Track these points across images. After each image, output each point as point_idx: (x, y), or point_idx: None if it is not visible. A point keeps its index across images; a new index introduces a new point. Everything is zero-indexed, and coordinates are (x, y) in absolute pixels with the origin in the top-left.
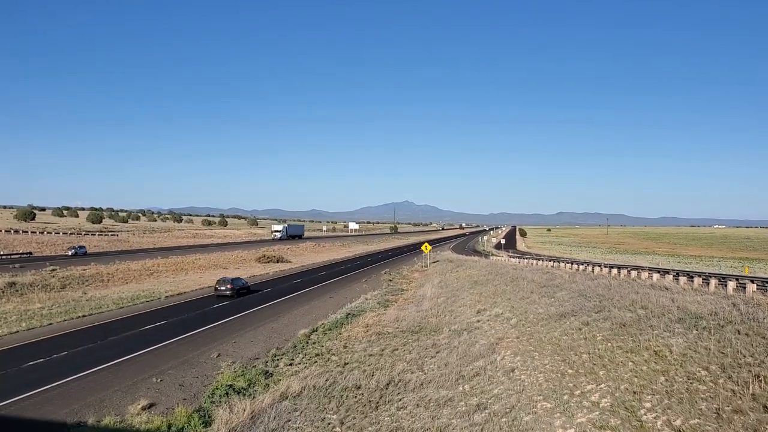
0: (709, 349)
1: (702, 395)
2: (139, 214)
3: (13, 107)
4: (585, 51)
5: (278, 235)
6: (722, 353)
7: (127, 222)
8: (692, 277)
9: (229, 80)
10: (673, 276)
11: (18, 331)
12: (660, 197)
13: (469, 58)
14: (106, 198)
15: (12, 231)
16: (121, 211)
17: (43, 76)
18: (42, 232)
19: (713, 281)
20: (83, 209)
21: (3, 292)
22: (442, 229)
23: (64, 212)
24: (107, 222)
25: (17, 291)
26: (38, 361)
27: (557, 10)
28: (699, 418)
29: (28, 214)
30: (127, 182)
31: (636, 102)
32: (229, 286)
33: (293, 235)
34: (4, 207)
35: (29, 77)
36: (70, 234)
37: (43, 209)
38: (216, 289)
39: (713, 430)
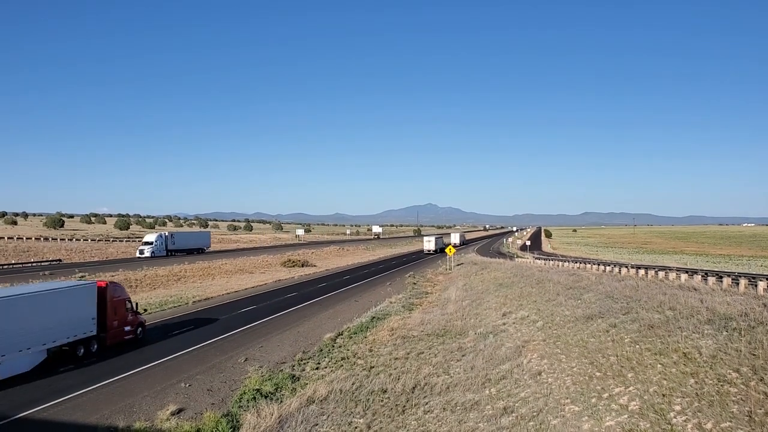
0: (740, 350)
1: (733, 398)
2: (166, 220)
3: (43, 118)
4: (612, 52)
5: (147, 250)
6: (753, 355)
7: (153, 228)
8: (721, 277)
9: (256, 86)
10: (702, 276)
11: None
12: (687, 196)
13: (493, 62)
14: (133, 204)
15: (42, 238)
16: (148, 217)
17: (71, 85)
18: (71, 239)
19: (743, 281)
20: (110, 216)
21: None
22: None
23: (92, 219)
24: (134, 228)
25: None
26: (68, 367)
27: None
28: (730, 421)
29: (57, 221)
30: (153, 189)
31: (663, 102)
32: None
33: (179, 250)
34: (34, 214)
35: (58, 88)
36: (98, 240)
37: (72, 216)
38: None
39: None
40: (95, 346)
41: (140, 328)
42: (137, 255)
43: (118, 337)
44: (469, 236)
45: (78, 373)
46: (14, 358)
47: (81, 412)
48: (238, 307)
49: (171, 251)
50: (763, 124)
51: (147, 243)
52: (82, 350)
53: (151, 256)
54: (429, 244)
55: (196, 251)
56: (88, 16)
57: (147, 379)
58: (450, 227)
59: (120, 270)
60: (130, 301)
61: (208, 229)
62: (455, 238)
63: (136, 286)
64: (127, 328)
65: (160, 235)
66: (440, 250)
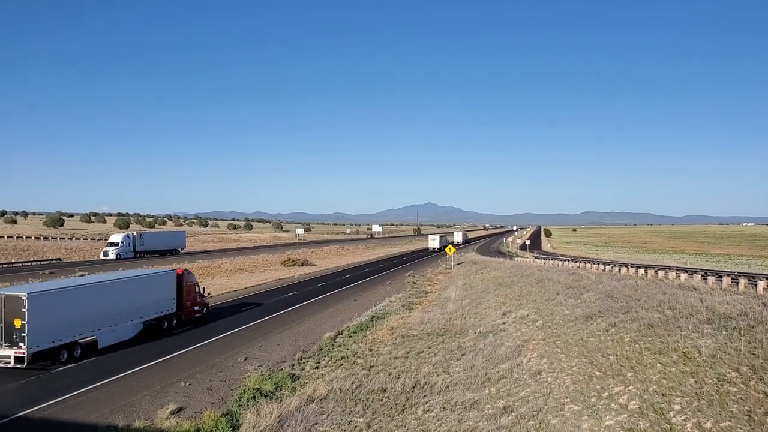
0: (740, 350)
1: (733, 397)
2: (166, 219)
3: (43, 117)
4: (611, 52)
5: (111, 252)
6: (753, 354)
7: (153, 227)
8: (721, 276)
9: (256, 85)
10: (701, 276)
11: None
12: (687, 195)
13: (493, 62)
14: (132, 203)
15: (42, 237)
16: (148, 216)
17: (71, 84)
18: (71, 238)
19: (742, 281)
20: (110, 215)
21: None
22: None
23: (92, 218)
24: (134, 227)
25: None
26: (68, 366)
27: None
28: (730, 421)
29: (57, 220)
30: (153, 188)
31: (663, 102)
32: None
33: (149, 251)
34: (34, 214)
35: (58, 87)
36: (98, 240)
37: (72, 215)
38: None
39: None
40: (174, 322)
41: (205, 309)
42: (101, 257)
43: (189, 315)
44: (470, 235)
45: (75, 371)
46: (123, 328)
47: (80, 411)
48: (237, 307)
49: (140, 253)
50: (763, 123)
51: (112, 244)
52: (165, 324)
53: (117, 259)
54: (434, 242)
55: (169, 252)
56: (87, 15)
57: (146, 378)
58: (450, 226)
59: (120, 268)
60: (198, 286)
61: (182, 229)
62: (458, 237)
63: None
64: (196, 308)
65: (127, 236)
66: (444, 248)
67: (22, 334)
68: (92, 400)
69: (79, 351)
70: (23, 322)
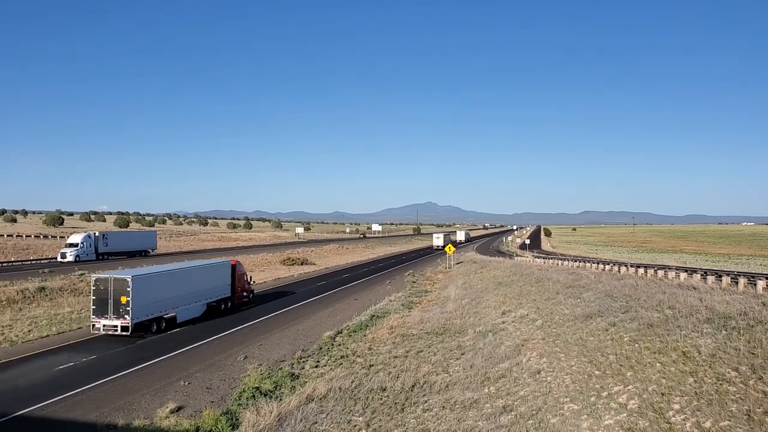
0: (739, 349)
1: (732, 397)
2: (165, 218)
3: (43, 115)
4: (611, 51)
5: (70, 254)
6: (752, 354)
7: (153, 226)
8: (720, 276)
9: (256, 84)
10: (701, 275)
11: (48, 336)
12: (687, 195)
13: (493, 61)
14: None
15: (41, 236)
16: (148, 215)
17: (71, 82)
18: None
19: (742, 280)
20: (110, 214)
21: (33, 296)
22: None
23: (92, 217)
24: (134, 226)
25: (47, 295)
26: (69, 365)
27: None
28: (729, 420)
29: (57, 219)
30: (153, 187)
31: (663, 101)
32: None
33: (114, 253)
34: (34, 212)
35: (58, 85)
36: None
37: (71, 214)
38: None
39: None
40: (229, 304)
41: (251, 295)
42: (58, 259)
43: (240, 299)
44: (472, 234)
45: (74, 370)
46: (194, 307)
47: (80, 409)
48: (239, 305)
49: (103, 254)
50: (763, 123)
51: (70, 245)
52: (222, 306)
53: (75, 261)
54: (438, 240)
55: (139, 254)
56: (86, 13)
57: (146, 377)
58: (450, 226)
59: (119, 267)
60: (246, 275)
61: (154, 229)
62: (461, 236)
63: None
64: (245, 294)
65: (88, 236)
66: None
67: (127, 308)
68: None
69: (164, 324)
70: (128, 299)
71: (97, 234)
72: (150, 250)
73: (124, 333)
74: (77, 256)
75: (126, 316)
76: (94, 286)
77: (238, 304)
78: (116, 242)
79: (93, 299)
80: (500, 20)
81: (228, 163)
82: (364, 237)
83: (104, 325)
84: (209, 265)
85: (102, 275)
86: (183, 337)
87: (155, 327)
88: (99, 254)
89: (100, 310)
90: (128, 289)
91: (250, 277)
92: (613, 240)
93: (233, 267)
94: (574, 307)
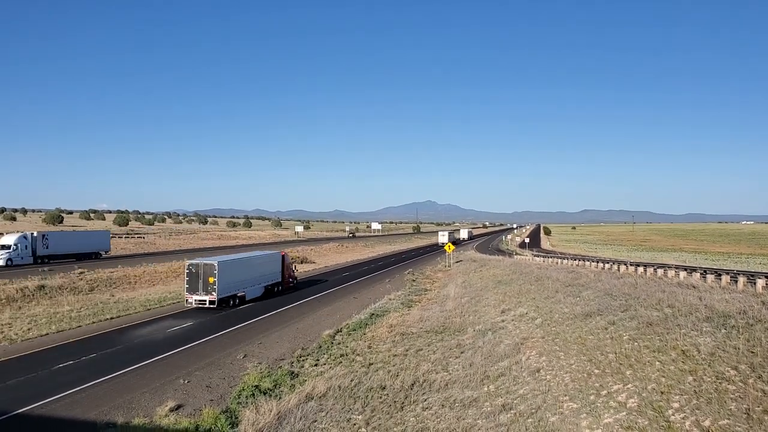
0: (738, 348)
1: (731, 395)
2: (165, 216)
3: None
4: (612, 50)
5: (1, 257)
6: (752, 352)
7: (153, 224)
8: (720, 274)
9: (256, 83)
10: (701, 274)
11: (48, 334)
12: (686, 193)
13: (493, 60)
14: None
15: None
16: (147, 213)
17: (71, 81)
18: None
19: (741, 279)
20: (110, 212)
21: (33, 294)
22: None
23: (91, 215)
24: (133, 224)
25: (46, 294)
26: (68, 363)
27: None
28: (728, 419)
29: (57, 217)
30: (153, 185)
31: (663, 100)
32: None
33: (56, 255)
34: (33, 210)
35: (58, 84)
36: None
37: (71, 212)
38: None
39: (743, 431)
40: (280, 288)
41: (295, 281)
42: None
43: (287, 284)
44: (474, 233)
45: (73, 368)
46: (256, 288)
47: (80, 407)
48: (237, 304)
49: (42, 258)
50: (763, 122)
51: (2, 247)
52: (275, 289)
53: (7, 265)
54: (443, 237)
55: (88, 257)
56: (86, 11)
57: (145, 376)
58: (449, 224)
59: (119, 266)
60: (291, 264)
61: (106, 229)
62: (464, 234)
63: (135, 282)
64: (291, 280)
65: (24, 236)
66: (453, 243)
67: (214, 287)
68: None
69: (237, 301)
70: (215, 279)
71: (35, 234)
72: (102, 252)
73: (211, 306)
74: (9, 260)
75: (213, 293)
76: (187, 269)
77: (285, 289)
78: (59, 244)
79: (186, 280)
80: (500, 18)
81: (228, 161)
82: (353, 236)
83: (196, 300)
84: (267, 255)
85: (194, 261)
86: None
87: (232, 302)
88: (37, 257)
89: (192, 288)
90: (215, 272)
91: (295, 266)
92: (612, 239)
93: (282, 257)
94: (573, 305)
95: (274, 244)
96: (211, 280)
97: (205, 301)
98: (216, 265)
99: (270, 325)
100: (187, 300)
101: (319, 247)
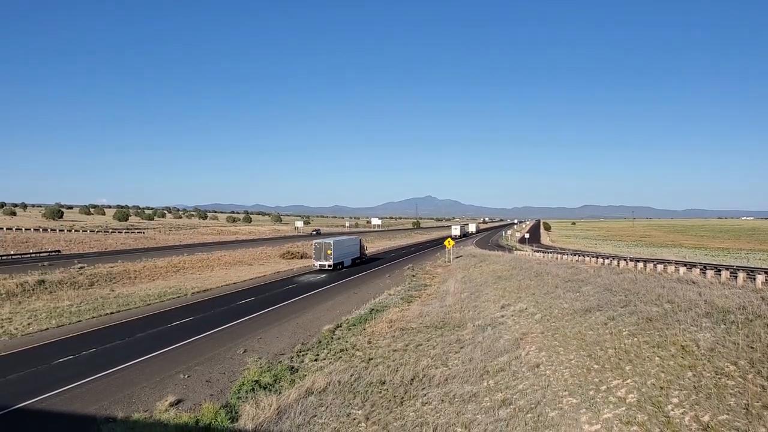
0: (738, 343)
1: (730, 390)
2: (165, 212)
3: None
4: (612, 47)
5: None
6: (751, 348)
7: (152, 219)
8: (719, 270)
9: (256, 79)
10: (700, 269)
11: (48, 329)
12: (686, 189)
13: (494, 56)
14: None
15: (41, 229)
16: (147, 208)
17: (71, 77)
18: (70, 230)
19: (741, 274)
20: (109, 207)
21: (33, 289)
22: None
23: (91, 210)
24: (133, 219)
25: (46, 288)
26: (68, 358)
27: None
28: (727, 414)
29: (56, 212)
30: (152, 180)
31: (663, 96)
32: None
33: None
34: (33, 206)
35: (58, 80)
36: (97, 232)
37: (71, 207)
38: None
39: (742, 426)
40: (359, 261)
41: (366, 257)
42: None
43: (362, 259)
44: (481, 227)
45: (72, 363)
46: (349, 260)
47: (80, 402)
48: (236, 299)
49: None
50: (763, 118)
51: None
52: (357, 261)
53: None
54: (455, 230)
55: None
56: (86, 8)
57: (145, 371)
58: (449, 220)
59: (119, 261)
60: (365, 246)
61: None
62: (473, 227)
63: (135, 277)
64: (364, 256)
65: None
66: (464, 235)
67: (330, 256)
68: (355, 280)
69: (342, 266)
70: (331, 251)
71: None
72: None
73: (329, 268)
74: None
75: (330, 260)
76: (314, 245)
77: (362, 263)
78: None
79: (314, 252)
80: (500, 16)
81: (228, 157)
82: (319, 233)
83: (319, 264)
84: (353, 239)
85: (318, 240)
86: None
87: (339, 267)
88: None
89: (317, 257)
90: (331, 246)
91: (366, 246)
92: (612, 234)
93: (360, 241)
94: (573, 301)
95: (274, 239)
96: (329, 252)
97: (326, 264)
98: (332, 243)
99: (269, 321)
100: (314, 264)
101: None
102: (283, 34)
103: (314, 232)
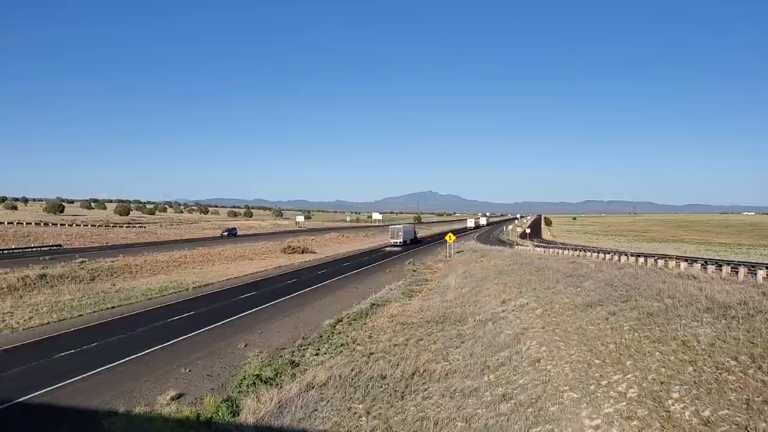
0: (738, 339)
1: (731, 385)
2: (166, 206)
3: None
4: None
5: None
6: (752, 343)
7: (154, 214)
8: (720, 265)
9: (256, 74)
10: (701, 265)
11: (49, 323)
12: (688, 184)
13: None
14: (133, 190)
15: (42, 223)
16: (148, 203)
17: (72, 72)
18: (71, 225)
19: (742, 270)
20: (111, 201)
21: (34, 283)
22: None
23: (92, 204)
24: (134, 214)
25: (48, 283)
26: (69, 352)
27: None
28: (728, 409)
29: (57, 206)
30: (154, 175)
31: (664, 91)
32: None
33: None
34: (34, 200)
35: (59, 75)
36: (99, 226)
37: (72, 202)
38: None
39: (743, 421)
40: (413, 242)
41: (417, 239)
42: None
43: (413, 241)
44: (491, 221)
45: (74, 357)
46: (408, 239)
47: (81, 396)
48: (237, 293)
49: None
50: (764, 114)
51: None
52: (412, 241)
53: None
54: (470, 222)
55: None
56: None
57: (147, 365)
58: (450, 215)
59: (120, 255)
60: (417, 231)
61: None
62: (483, 221)
63: (136, 272)
64: (417, 238)
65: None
66: (477, 227)
67: (401, 237)
68: (416, 251)
69: (407, 242)
70: (400, 233)
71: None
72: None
73: (400, 246)
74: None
75: (400, 240)
76: (390, 230)
77: (411, 243)
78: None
79: (390, 234)
80: (500, 15)
81: (229, 151)
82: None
83: (393, 243)
84: (411, 225)
85: (392, 225)
86: (408, 248)
87: (406, 244)
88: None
89: (392, 237)
90: (401, 230)
91: (416, 230)
92: (613, 229)
93: (414, 228)
94: (574, 296)
95: (275, 234)
96: (399, 234)
97: (398, 243)
98: (401, 227)
99: (269, 316)
100: (390, 243)
101: (321, 237)
102: (285, 28)
103: (225, 233)
